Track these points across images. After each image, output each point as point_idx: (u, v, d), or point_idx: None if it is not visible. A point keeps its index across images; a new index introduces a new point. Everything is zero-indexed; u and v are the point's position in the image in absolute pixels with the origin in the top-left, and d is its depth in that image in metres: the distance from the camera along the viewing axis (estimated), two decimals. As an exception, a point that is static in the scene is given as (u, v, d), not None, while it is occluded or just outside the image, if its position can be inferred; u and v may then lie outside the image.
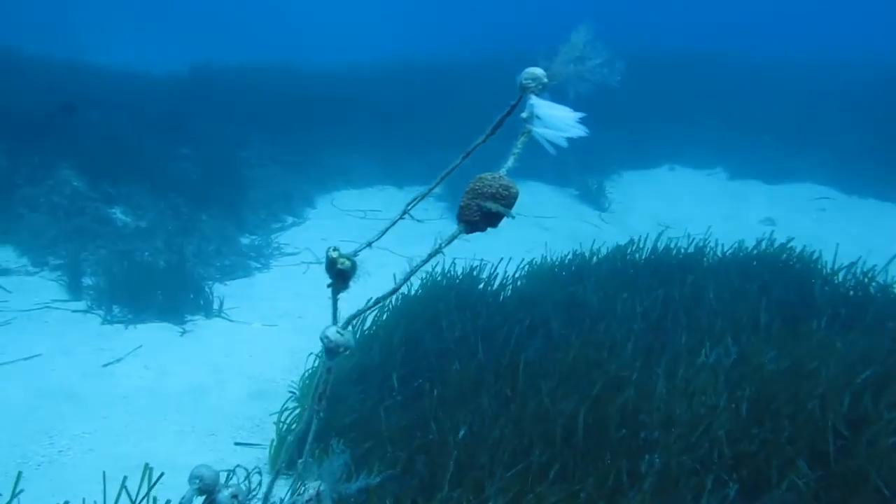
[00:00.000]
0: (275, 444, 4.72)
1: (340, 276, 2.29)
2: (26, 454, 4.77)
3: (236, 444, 5.09)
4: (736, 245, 7.40)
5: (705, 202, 12.69)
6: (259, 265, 8.91)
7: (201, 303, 7.39)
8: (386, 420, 4.52)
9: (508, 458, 3.87)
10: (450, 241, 2.26)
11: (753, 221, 11.72)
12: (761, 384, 4.42)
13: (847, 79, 16.66)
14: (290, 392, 5.53)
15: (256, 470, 4.29)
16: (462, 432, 4.17)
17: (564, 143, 2.16)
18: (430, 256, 2.29)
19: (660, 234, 7.38)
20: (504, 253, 7.31)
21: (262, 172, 11.14)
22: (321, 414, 2.51)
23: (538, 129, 2.19)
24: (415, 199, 2.40)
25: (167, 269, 7.73)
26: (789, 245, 7.13)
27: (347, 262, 2.28)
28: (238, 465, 4.32)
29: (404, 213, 2.41)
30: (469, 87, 12.61)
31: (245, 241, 9.47)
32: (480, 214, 2.23)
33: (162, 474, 3.45)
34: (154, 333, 6.79)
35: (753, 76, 17.13)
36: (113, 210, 8.74)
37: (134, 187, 9.03)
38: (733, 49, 18.85)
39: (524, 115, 2.23)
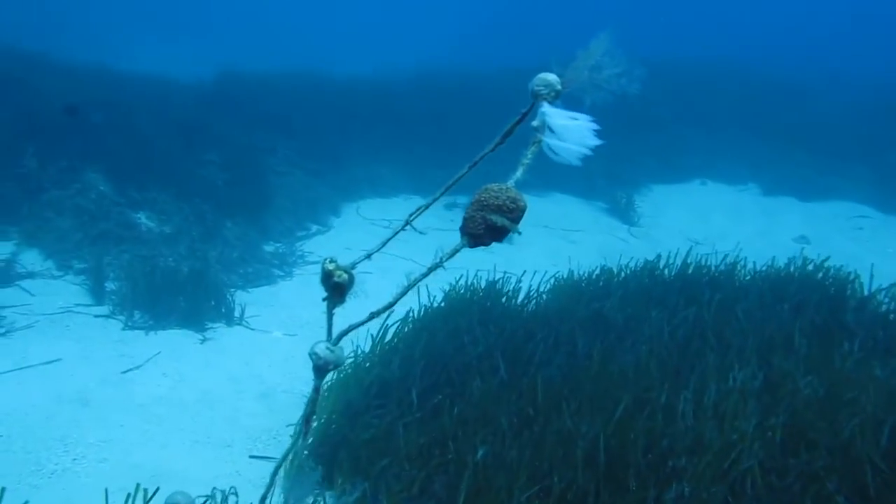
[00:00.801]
0: (290, 458, 4.61)
1: (337, 289, 2.18)
2: (40, 461, 4.72)
3: (251, 457, 5.00)
4: (768, 263, 7.19)
5: (737, 218, 12.43)
6: (282, 273, 8.85)
7: (223, 310, 7.34)
8: (404, 437, 4.39)
9: (527, 482, 3.72)
10: (451, 255, 2.14)
11: (787, 239, 11.44)
12: (796, 411, 4.22)
13: (886, 95, 16.28)
14: (308, 404, 5.45)
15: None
16: (481, 453, 4.03)
17: (576, 161, 2.03)
18: (430, 271, 2.17)
19: (689, 250, 7.19)
20: (529, 265, 7.18)
21: (289, 180, 11.11)
22: (308, 436, 2.40)
23: (549, 140, 2.05)
24: (418, 209, 2.29)
25: (190, 276, 7.68)
26: (825, 264, 6.90)
27: (344, 275, 2.17)
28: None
29: (406, 224, 2.30)
30: (496, 97, 12.50)
31: (269, 248, 9.43)
32: (485, 228, 2.10)
33: (157, 489, 3.37)
34: (174, 340, 6.75)
35: (790, 90, 16.82)
36: (138, 215, 8.75)
37: (159, 192, 9.04)
38: (769, 62, 18.54)
39: (535, 123, 2.10)
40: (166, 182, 9.24)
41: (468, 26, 28.03)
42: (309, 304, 7.86)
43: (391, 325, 5.59)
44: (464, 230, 2.15)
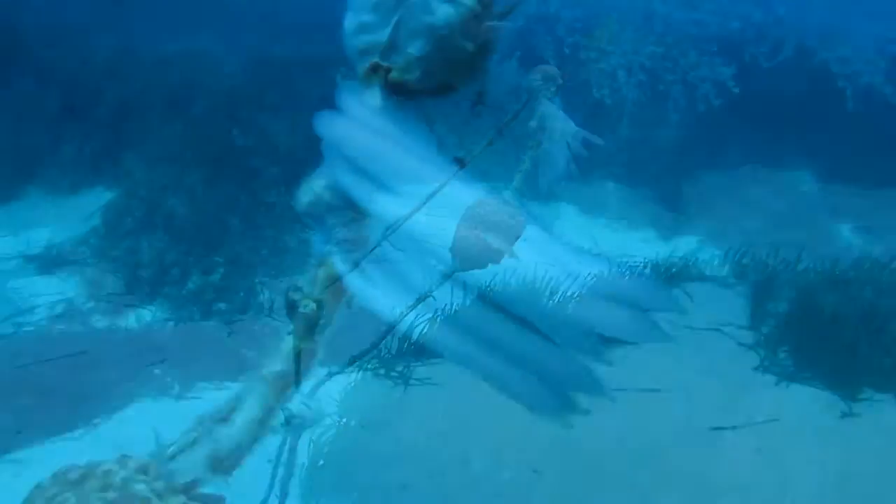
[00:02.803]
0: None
1: (304, 321, 1.86)
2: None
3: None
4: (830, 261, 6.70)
5: (792, 208, 11.76)
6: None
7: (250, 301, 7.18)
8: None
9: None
10: (440, 283, 1.85)
11: (846, 231, 10.81)
12: None
13: None
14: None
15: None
16: None
17: (564, 183, 1.72)
18: (418, 302, 1.88)
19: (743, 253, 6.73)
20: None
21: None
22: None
23: (549, 145, 1.74)
24: (396, 221, 2.02)
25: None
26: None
27: (313, 305, 1.86)
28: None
29: (383, 238, 2.03)
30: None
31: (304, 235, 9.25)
32: (478, 250, 1.81)
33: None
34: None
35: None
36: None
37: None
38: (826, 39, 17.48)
39: (533, 123, 1.78)
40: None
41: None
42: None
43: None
44: (453, 253, 1.85)
